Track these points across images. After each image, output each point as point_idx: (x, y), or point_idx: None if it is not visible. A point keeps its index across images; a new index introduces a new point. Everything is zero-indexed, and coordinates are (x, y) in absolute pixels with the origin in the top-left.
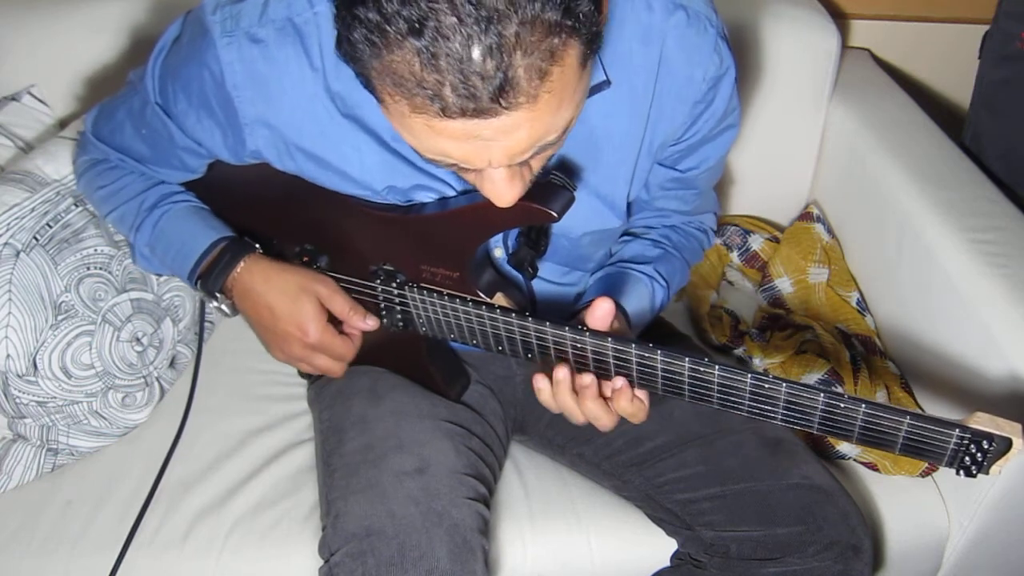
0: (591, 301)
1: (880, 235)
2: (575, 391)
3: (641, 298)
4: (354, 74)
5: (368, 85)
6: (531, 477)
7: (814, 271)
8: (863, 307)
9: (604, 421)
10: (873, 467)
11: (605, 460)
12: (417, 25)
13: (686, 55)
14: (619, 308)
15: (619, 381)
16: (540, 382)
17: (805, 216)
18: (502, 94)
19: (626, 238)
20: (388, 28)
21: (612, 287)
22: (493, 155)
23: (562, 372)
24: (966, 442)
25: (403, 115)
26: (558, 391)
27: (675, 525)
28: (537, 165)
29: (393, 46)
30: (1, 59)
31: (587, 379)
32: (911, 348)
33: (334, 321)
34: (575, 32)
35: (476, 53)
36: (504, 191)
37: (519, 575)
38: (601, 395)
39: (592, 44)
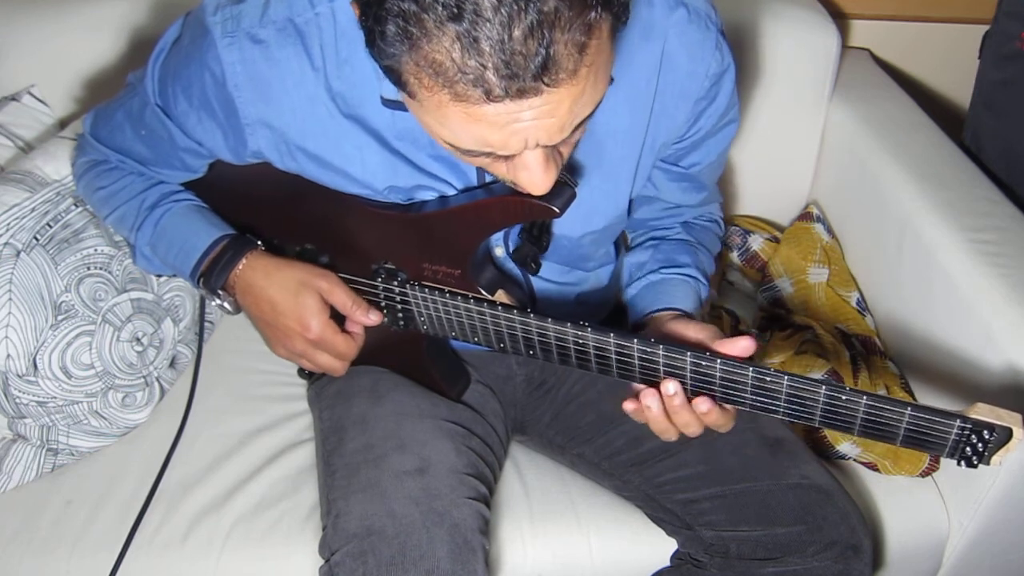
0: (716, 336)
1: (880, 235)
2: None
3: (691, 299)
4: (383, 73)
5: (399, 81)
6: (531, 477)
7: (814, 271)
8: (863, 307)
9: (694, 429)
10: (873, 467)
11: (605, 460)
12: (455, 9)
13: (688, 52)
14: (681, 312)
15: (704, 404)
16: (641, 400)
17: (805, 216)
18: (545, 72)
19: (653, 241)
20: (426, 16)
21: (662, 293)
22: (532, 136)
23: (673, 386)
24: (967, 432)
25: (440, 106)
26: (671, 406)
27: (675, 525)
28: (566, 151)
29: (432, 34)
30: (1, 59)
31: (672, 387)
32: (911, 348)
33: (337, 318)
34: (608, 3)
35: (517, 32)
36: (540, 176)
37: (519, 575)
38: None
39: (622, 15)
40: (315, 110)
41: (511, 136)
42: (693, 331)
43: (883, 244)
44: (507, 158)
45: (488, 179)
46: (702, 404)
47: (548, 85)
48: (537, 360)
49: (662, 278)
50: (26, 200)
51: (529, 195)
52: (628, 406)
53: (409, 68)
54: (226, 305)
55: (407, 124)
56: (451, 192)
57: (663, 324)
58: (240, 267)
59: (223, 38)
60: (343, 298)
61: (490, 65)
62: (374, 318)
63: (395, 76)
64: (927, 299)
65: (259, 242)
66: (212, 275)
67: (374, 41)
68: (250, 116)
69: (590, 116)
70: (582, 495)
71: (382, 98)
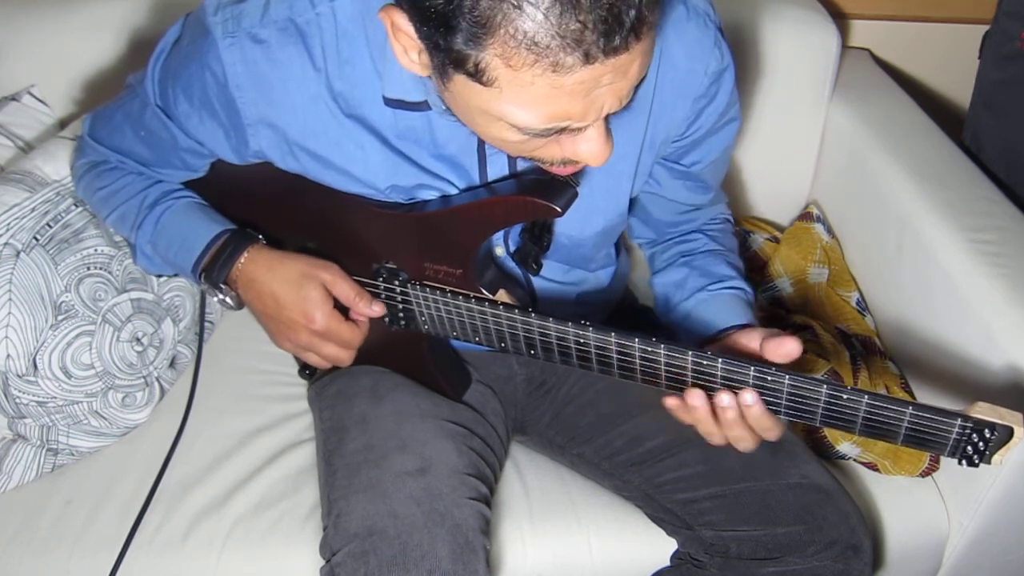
0: (768, 335)
1: (880, 235)
2: (715, 414)
3: (742, 309)
4: (451, 66)
5: (477, 69)
6: (531, 477)
7: (814, 271)
8: (863, 307)
9: (747, 443)
10: (873, 467)
11: (605, 460)
12: None
13: (686, 49)
14: (741, 326)
15: (750, 396)
16: (671, 403)
17: (805, 216)
18: (638, 23)
19: (683, 259)
20: None
21: (719, 313)
22: (606, 102)
23: (698, 399)
24: (968, 431)
25: (525, 85)
26: (696, 416)
27: (675, 525)
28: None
29: (527, 2)
30: (1, 59)
31: (726, 399)
32: (911, 348)
33: (340, 308)
34: None
35: None
36: (603, 147)
37: (519, 575)
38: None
39: None
40: (317, 110)
41: (591, 104)
42: (755, 339)
43: (883, 244)
44: (569, 134)
45: (490, 178)
46: (747, 396)
47: (636, 39)
48: (538, 360)
49: (711, 296)
50: (26, 200)
51: (531, 194)
52: (671, 402)
53: (495, 49)
54: (228, 300)
55: (409, 123)
56: (453, 191)
57: (727, 342)
58: (242, 261)
59: (224, 38)
60: (346, 289)
61: (590, 23)
62: (378, 309)
63: (471, 64)
64: (927, 299)
65: (260, 236)
66: (214, 270)
67: (456, 27)
68: (252, 116)
69: (641, 83)
70: (582, 495)
71: (384, 97)
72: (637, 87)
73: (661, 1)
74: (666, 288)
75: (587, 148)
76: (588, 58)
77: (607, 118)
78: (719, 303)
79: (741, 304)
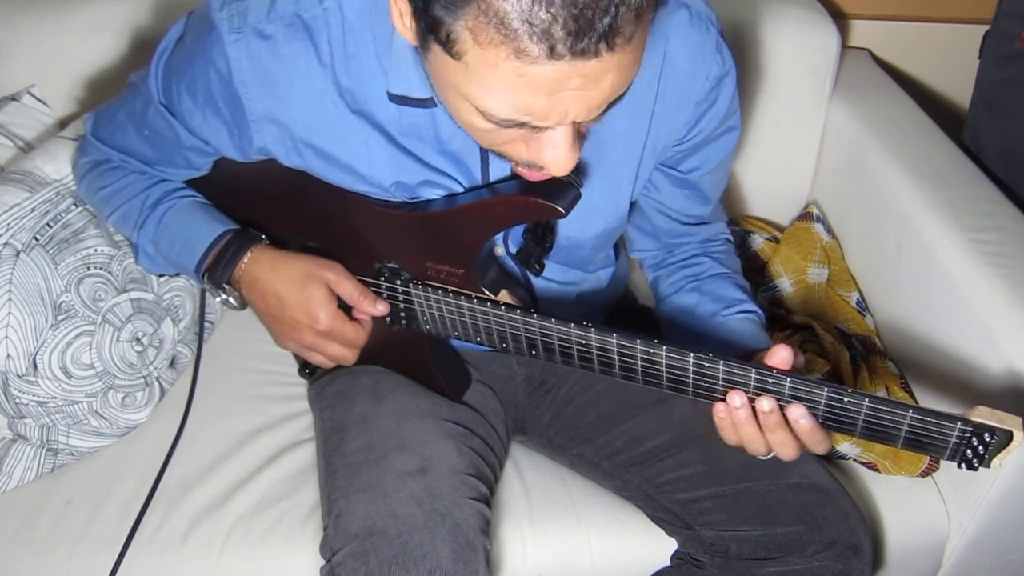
0: (766, 348)
1: (880, 235)
2: (757, 421)
3: (757, 332)
4: (425, 29)
5: (447, 39)
6: (531, 477)
7: (814, 271)
8: (863, 307)
9: (790, 450)
10: (873, 467)
11: (605, 460)
12: None
13: (689, 53)
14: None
15: (796, 411)
16: (721, 411)
17: (805, 216)
18: (610, 32)
19: (692, 284)
20: None
21: (739, 337)
22: (572, 108)
23: (739, 399)
24: (968, 435)
25: (491, 66)
26: (737, 417)
27: (675, 525)
28: (584, 132)
29: None
30: (1, 59)
31: (767, 405)
32: (911, 348)
33: (343, 307)
34: None
35: None
36: (566, 155)
37: (519, 575)
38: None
39: None
40: (323, 106)
41: (555, 105)
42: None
43: (883, 244)
44: (535, 132)
45: (492, 177)
46: (794, 410)
47: (608, 49)
48: (539, 360)
49: (724, 321)
50: (26, 200)
51: (534, 194)
52: (719, 409)
53: (467, 22)
54: (231, 300)
55: (413, 120)
56: (457, 188)
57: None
58: (245, 261)
59: (230, 34)
60: (350, 289)
61: (560, 19)
62: (381, 308)
63: (444, 32)
64: (927, 299)
65: (263, 236)
66: (217, 270)
67: None
68: (256, 112)
69: (619, 100)
70: (582, 495)
71: (389, 93)
72: (613, 104)
73: (646, 19)
74: (674, 315)
75: (551, 155)
76: (553, 53)
77: (579, 128)
78: (734, 328)
79: (756, 328)
